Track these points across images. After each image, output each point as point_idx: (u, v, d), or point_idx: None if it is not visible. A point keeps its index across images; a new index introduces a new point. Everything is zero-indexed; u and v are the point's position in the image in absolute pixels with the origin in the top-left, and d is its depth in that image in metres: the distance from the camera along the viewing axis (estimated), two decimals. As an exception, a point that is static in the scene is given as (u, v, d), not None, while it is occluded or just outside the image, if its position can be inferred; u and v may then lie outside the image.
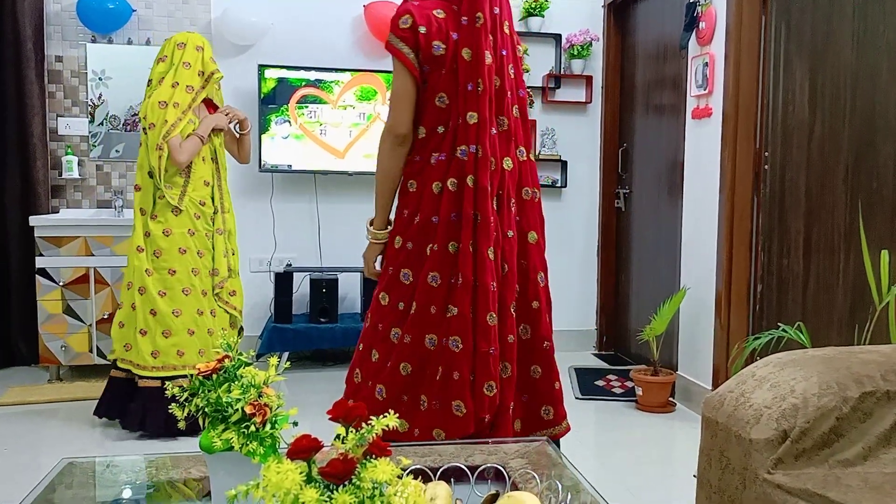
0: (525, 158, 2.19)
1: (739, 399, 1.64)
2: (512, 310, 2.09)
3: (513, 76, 2.15)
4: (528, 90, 3.13)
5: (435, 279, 2.05)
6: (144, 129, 3.16)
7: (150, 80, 3.28)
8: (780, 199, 3.24)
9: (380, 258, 2.27)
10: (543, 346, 2.15)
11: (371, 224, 2.25)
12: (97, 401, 3.33)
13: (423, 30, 2.03)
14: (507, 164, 2.11)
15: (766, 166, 3.29)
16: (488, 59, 2.05)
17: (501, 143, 2.10)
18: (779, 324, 2.71)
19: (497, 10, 2.10)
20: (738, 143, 3.35)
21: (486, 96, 2.05)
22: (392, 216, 2.23)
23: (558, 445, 2.14)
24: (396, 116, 2.09)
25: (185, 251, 3.18)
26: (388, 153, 2.13)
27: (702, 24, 3.57)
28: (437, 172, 2.07)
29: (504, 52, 2.12)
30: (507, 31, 2.14)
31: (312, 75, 4.46)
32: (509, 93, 2.12)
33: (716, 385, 3.40)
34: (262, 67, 4.39)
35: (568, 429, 2.21)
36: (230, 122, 3.36)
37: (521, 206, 2.17)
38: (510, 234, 2.11)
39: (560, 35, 4.78)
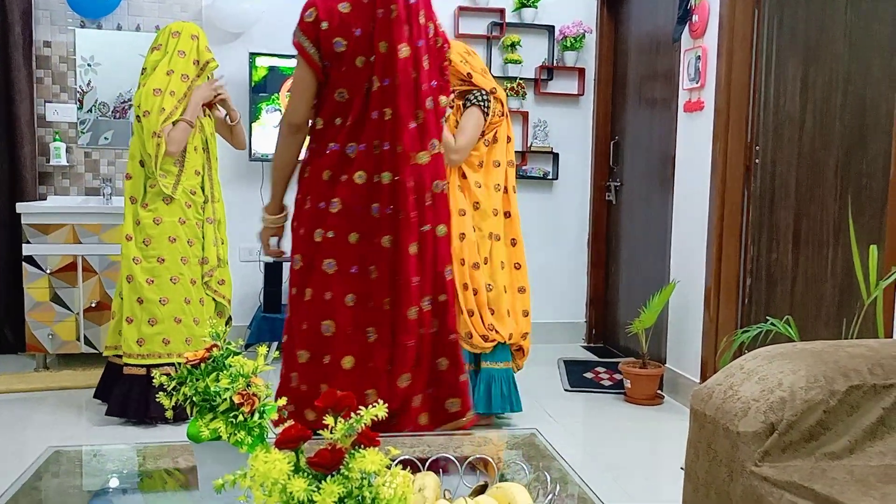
0: (437, 151, 2.18)
1: (727, 392, 1.65)
2: (427, 304, 2.11)
3: (427, 67, 2.13)
4: (496, 86, 3.15)
5: (330, 265, 2.07)
6: (138, 117, 3.13)
7: (143, 69, 3.24)
8: (770, 193, 3.25)
9: (275, 239, 2.33)
10: (450, 338, 2.17)
11: (265, 209, 2.30)
12: (95, 387, 3.35)
13: (325, 25, 2.04)
14: (424, 158, 2.11)
15: (757, 160, 3.30)
16: (404, 51, 2.05)
17: (418, 137, 2.10)
18: (767, 317, 2.72)
19: (412, 0, 2.09)
20: (730, 136, 3.36)
21: (403, 91, 2.05)
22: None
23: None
24: (292, 106, 2.14)
25: (174, 240, 3.16)
26: (282, 141, 2.18)
27: (695, 17, 3.56)
28: (329, 161, 2.09)
29: (420, 43, 2.10)
30: (422, 20, 2.12)
31: (304, 64, 4.42)
32: (424, 85, 2.11)
33: (704, 378, 3.42)
34: (253, 55, 4.36)
35: (474, 420, 2.22)
36: (216, 95, 3.30)
37: (433, 200, 2.16)
38: (426, 228, 2.12)
39: (553, 27, 4.77)
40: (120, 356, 3.22)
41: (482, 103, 3.17)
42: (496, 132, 3.26)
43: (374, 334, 2.06)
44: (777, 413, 1.55)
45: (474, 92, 3.20)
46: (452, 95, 3.27)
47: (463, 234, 3.17)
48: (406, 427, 2.08)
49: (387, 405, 1.02)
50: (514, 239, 3.28)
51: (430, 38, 2.15)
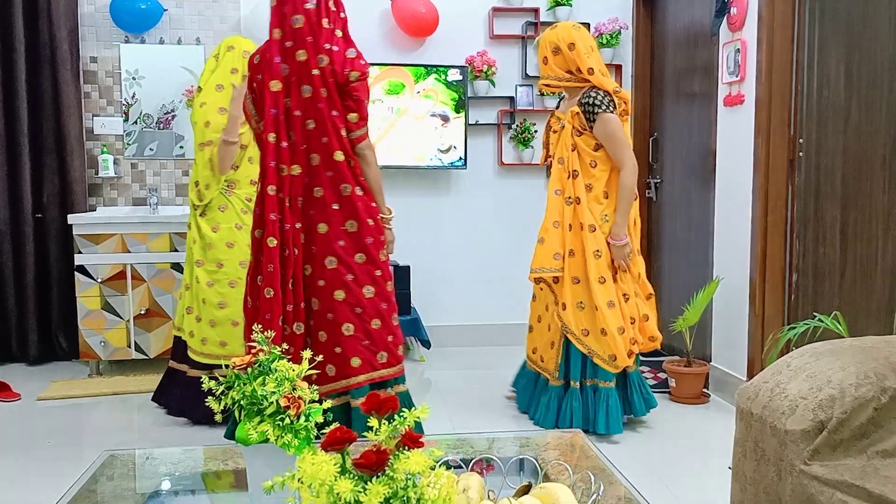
0: (317, 164, 2.54)
1: (774, 389, 1.62)
2: (290, 285, 2.53)
3: (319, 74, 2.50)
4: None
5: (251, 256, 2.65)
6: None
7: (199, 88, 3.33)
8: (815, 187, 3.18)
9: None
10: (328, 317, 2.56)
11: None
12: (146, 392, 3.52)
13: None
14: (295, 170, 2.54)
15: (801, 153, 3.23)
16: (274, 86, 2.51)
17: (289, 153, 2.53)
18: (815, 313, 2.66)
19: (298, 23, 2.53)
20: (772, 129, 3.30)
21: (276, 119, 2.52)
22: None
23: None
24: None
25: (232, 245, 3.26)
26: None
27: (733, 10, 3.51)
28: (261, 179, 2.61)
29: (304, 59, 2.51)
30: (326, 25, 2.55)
31: (341, 70, 4.47)
32: (299, 111, 2.53)
33: (750, 376, 3.36)
34: (291, 63, 4.42)
35: (359, 384, 2.56)
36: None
37: (311, 203, 2.56)
38: (297, 226, 2.55)
39: (588, 24, 4.74)
40: (180, 362, 3.34)
41: (607, 104, 3.05)
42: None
43: (251, 302, 2.67)
44: (826, 411, 1.52)
45: (592, 94, 3.06)
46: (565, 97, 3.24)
47: (598, 251, 3.08)
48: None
49: None
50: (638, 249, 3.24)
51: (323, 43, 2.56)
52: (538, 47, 3.25)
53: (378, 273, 2.61)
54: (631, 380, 3.20)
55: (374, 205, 2.62)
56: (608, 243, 3.10)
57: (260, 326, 2.48)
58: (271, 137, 2.50)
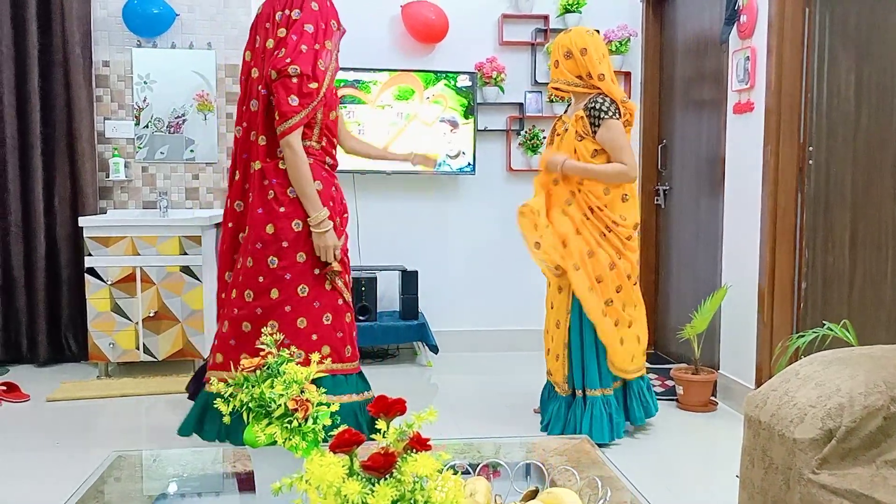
0: (263, 144, 2.66)
1: (783, 398, 1.62)
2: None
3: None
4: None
5: None
6: None
7: None
8: (825, 195, 3.17)
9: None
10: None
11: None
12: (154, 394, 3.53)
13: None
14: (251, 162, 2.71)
15: (811, 161, 3.23)
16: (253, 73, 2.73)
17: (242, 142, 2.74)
18: (824, 322, 2.65)
19: (258, 43, 2.70)
20: (782, 137, 3.29)
21: (238, 114, 2.77)
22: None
23: None
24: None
25: None
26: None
27: (743, 18, 3.51)
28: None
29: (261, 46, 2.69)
30: (277, 19, 2.64)
31: (351, 75, 4.50)
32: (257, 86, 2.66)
33: (759, 384, 3.34)
34: (301, 69, 4.44)
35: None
36: None
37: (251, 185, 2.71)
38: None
39: (598, 31, 4.73)
40: None
41: (613, 111, 3.05)
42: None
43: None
44: (835, 419, 1.51)
45: (598, 99, 3.06)
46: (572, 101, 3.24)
47: (613, 263, 3.11)
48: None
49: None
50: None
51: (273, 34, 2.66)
52: (551, 51, 3.26)
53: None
54: (630, 387, 3.20)
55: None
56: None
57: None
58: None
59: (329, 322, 2.67)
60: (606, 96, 3.08)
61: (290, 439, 1.37)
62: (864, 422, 1.51)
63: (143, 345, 4.10)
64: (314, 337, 2.62)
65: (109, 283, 4.05)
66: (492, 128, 4.76)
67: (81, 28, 4.36)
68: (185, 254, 4.10)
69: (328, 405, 1.46)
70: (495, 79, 4.68)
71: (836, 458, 1.50)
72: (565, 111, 3.33)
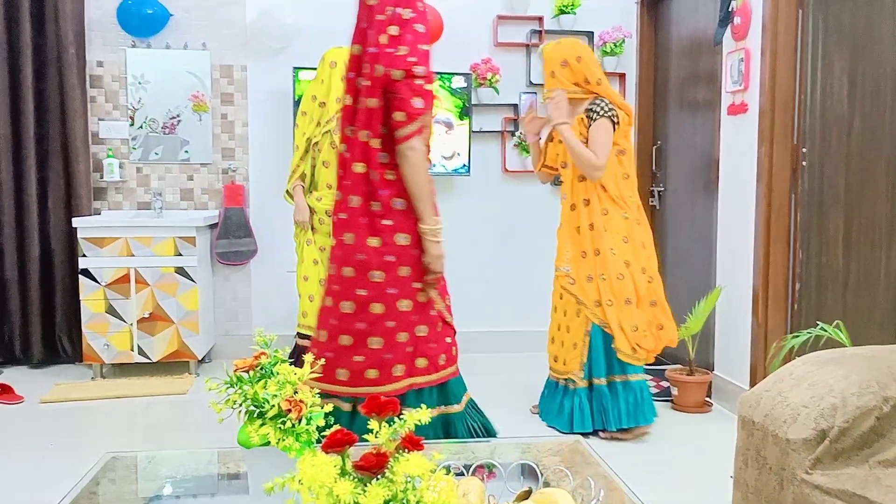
0: (377, 147, 2.40)
1: (776, 398, 1.62)
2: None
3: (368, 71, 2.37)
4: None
5: None
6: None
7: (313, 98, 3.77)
8: (818, 195, 3.18)
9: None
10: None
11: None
12: (149, 395, 3.55)
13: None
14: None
15: (804, 162, 3.23)
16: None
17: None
18: (817, 322, 2.66)
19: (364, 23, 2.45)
20: (775, 138, 3.30)
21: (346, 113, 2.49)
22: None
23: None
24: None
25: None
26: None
27: (737, 19, 3.52)
28: None
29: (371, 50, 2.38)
30: (388, 13, 2.38)
31: (346, 76, 4.49)
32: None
33: (753, 385, 3.35)
34: (296, 69, 4.44)
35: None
36: None
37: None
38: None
39: (592, 32, 4.75)
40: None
41: (610, 113, 3.14)
42: (624, 145, 3.24)
43: None
44: (828, 419, 1.52)
45: (599, 101, 3.16)
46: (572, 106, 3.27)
47: (612, 249, 3.20)
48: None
49: None
50: (643, 243, 3.29)
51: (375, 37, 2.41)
52: (544, 61, 3.31)
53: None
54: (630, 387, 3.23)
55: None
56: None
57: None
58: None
59: (425, 334, 2.50)
60: (605, 99, 3.16)
61: (284, 440, 1.37)
62: (856, 422, 1.52)
63: (138, 346, 4.09)
64: (409, 350, 2.46)
65: (104, 284, 4.04)
66: (487, 129, 4.76)
67: (75, 28, 4.34)
68: (180, 255, 4.09)
69: (322, 406, 1.46)
70: (490, 80, 4.68)
71: (830, 458, 1.50)
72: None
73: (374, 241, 2.40)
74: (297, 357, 3.35)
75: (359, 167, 2.38)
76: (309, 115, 3.79)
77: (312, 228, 3.78)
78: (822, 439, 1.51)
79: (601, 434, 3.19)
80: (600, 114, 3.13)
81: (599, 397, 3.19)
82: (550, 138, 3.39)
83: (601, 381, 3.19)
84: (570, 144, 3.14)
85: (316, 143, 3.75)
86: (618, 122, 3.17)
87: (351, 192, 2.41)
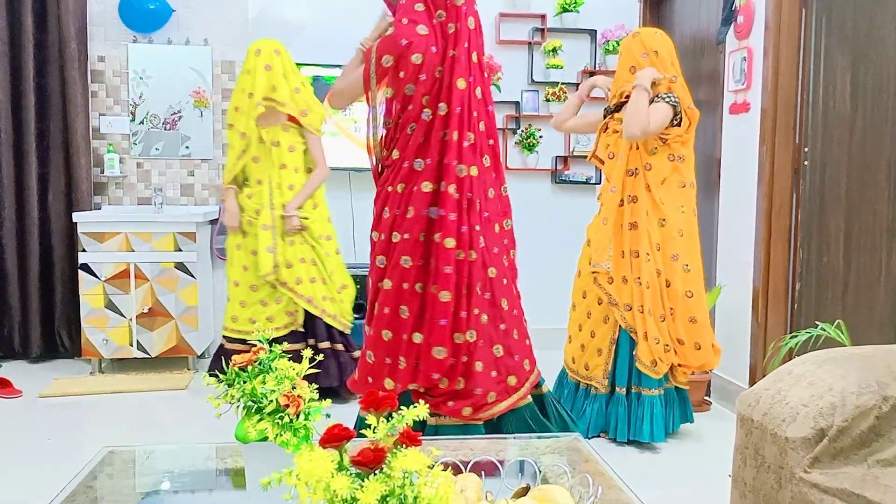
0: (487, 165, 2.50)
1: (775, 396, 1.62)
2: (476, 289, 2.36)
3: (479, 97, 2.49)
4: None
5: (406, 261, 2.38)
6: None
7: (249, 94, 3.58)
8: (819, 196, 3.18)
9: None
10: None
11: None
12: (147, 391, 3.50)
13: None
14: (473, 171, 2.43)
15: (806, 162, 3.23)
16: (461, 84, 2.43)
17: (471, 154, 2.46)
18: (817, 322, 2.66)
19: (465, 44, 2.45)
20: (777, 138, 3.30)
21: (461, 117, 2.46)
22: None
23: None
24: None
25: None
26: None
27: (740, 18, 3.51)
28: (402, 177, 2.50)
29: (471, 79, 2.44)
30: (474, 58, 2.48)
31: (347, 73, 4.48)
32: (475, 111, 2.48)
33: (752, 384, 3.35)
34: (297, 65, 4.43)
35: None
36: None
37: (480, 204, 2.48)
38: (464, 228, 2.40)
39: (595, 31, 4.75)
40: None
41: (674, 101, 3.00)
42: (682, 151, 3.08)
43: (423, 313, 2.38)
44: (827, 418, 1.51)
45: (664, 94, 3.03)
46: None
47: (658, 245, 3.09)
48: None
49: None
50: (687, 264, 3.10)
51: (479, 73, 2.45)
52: (620, 54, 3.20)
53: None
54: (670, 395, 3.16)
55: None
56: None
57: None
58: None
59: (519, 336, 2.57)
60: (674, 94, 3.04)
61: (281, 435, 1.37)
62: (855, 421, 1.51)
63: (137, 341, 4.09)
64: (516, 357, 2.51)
65: (103, 279, 4.04)
66: (488, 126, 4.75)
67: (77, 23, 4.34)
68: (180, 250, 4.09)
69: (320, 401, 1.45)
70: (492, 78, 4.68)
71: (828, 457, 1.50)
72: (616, 109, 3.21)
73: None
74: (222, 361, 3.15)
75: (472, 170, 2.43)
76: (241, 110, 3.59)
77: (243, 232, 3.62)
78: (821, 438, 1.51)
79: (604, 436, 3.15)
80: (665, 100, 3.00)
81: (616, 405, 3.10)
82: (605, 127, 3.24)
83: (621, 390, 3.09)
84: (636, 96, 2.97)
85: (247, 138, 3.59)
86: (678, 119, 3.01)
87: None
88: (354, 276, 4.36)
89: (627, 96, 3.07)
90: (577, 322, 3.28)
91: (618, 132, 3.15)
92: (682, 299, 3.08)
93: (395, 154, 2.44)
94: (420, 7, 2.39)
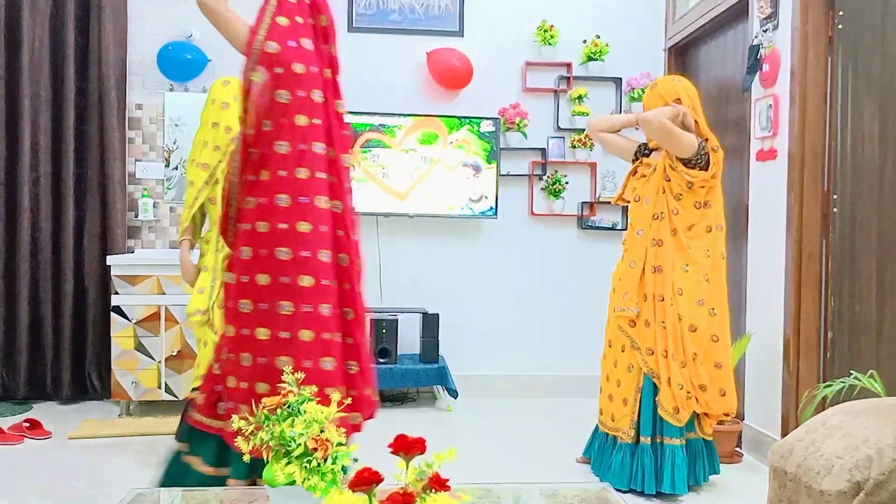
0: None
1: (809, 448, 1.59)
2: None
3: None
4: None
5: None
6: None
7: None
8: (850, 242, 3.15)
9: None
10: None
11: None
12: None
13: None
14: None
15: (835, 209, 3.21)
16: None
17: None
18: (851, 371, 2.60)
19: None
20: (805, 185, 3.28)
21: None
22: None
23: None
24: None
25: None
26: None
27: (765, 66, 3.54)
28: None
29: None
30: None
31: (376, 120, 4.58)
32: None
33: (784, 435, 3.27)
34: (327, 113, 4.53)
35: None
36: None
37: None
38: None
39: (620, 79, 4.80)
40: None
41: (701, 148, 3.02)
42: (707, 197, 3.09)
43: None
44: (863, 471, 1.48)
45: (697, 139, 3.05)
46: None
47: (680, 289, 3.07)
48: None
49: None
50: (713, 308, 3.08)
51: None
52: (645, 108, 3.23)
53: None
54: (697, 446, 3.10)
55: None
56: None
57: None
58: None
59: None
60: (701, 139, 3.07)
61: (309, 479, 1.37)
62: (893, 474, 1.48)
63: (165, 384, 4.12)
64: None
65: (134, 321, 4.09)
66: (514, 172, 4.80)
67: (117, 72, 4.50)
68: (210, 293, 4.13)
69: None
70: (518, 124, 4.74)
71: (865, 511, 1.46)
72: (644, 153, 3.25)
73: None
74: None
75: None
76: (211, 144, 3.21)
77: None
78: (858, 492, 1.47)
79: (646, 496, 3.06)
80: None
81: (641, 455, 3.04)
82: (634, 171, 3.26)
83: (646, 440, 3.03)
84: (662, 125, 2.98)
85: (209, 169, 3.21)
86: (702, 158, 3.01)
87: None
88: (380, 321, 4.38)
89: (656, 148, 3.09)
90: (605, 372, 3.25)
91: (646, 176, 3.17)
92: (709, 343, 3.05)
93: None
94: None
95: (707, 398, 3.04)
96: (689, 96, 3.15)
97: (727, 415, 3.14)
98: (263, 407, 1.47)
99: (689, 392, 3.00)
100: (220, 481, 2.11)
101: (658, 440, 3.03)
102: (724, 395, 3.05)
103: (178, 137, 4.63)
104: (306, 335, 2.05)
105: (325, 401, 1.49)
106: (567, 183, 4.81)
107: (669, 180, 3.08)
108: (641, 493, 3.03)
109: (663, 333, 3.02)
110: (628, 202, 3.30)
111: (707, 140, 3.09)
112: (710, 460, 3.15)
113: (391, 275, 4.75)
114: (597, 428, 3.31)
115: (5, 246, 4.43)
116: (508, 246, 4.83)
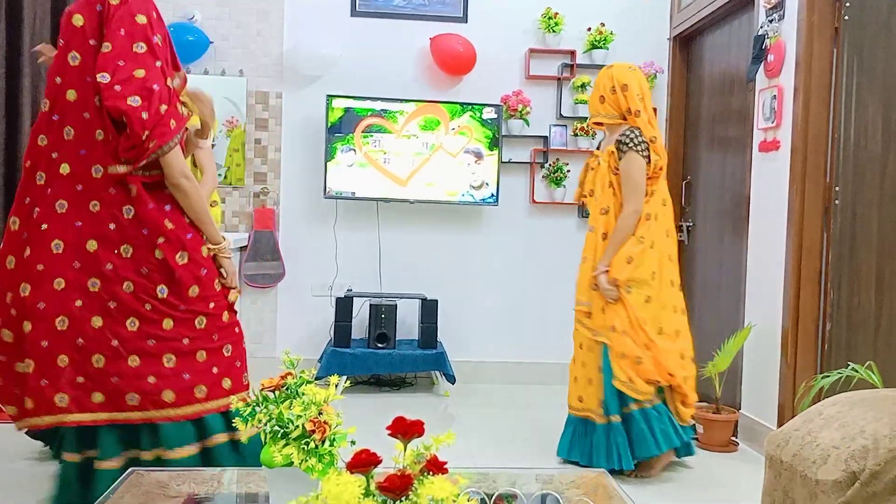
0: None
1: (805, 438, 1.60)
2: None
3: None
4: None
5: None
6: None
7: None
8: (850, 235, 3.14)
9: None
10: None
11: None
12: None
13: None
14: None
15: (837, 201, 3.20)
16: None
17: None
18: (848, 363, 2.61)
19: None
20: (807, 177, 3.28)
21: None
22: None
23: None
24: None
25: None
26: None
27: (770, 57, 3.52)
28: None
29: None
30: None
31: (378, 105, 4.56)
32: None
33: (781, 425, 3.28)
34: (330, 97, 4.52)
35: None
36: None
37: None
38: None
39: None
40: None
41: (640, 148, 3.06)
42: (653, 187, 3.12)
43: None
44: (859, 462, 1.48)
45: (629, 132, 3.08)
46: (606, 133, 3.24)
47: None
48: None
49: None
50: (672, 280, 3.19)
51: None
52: (595, 84, 3.28)
53: None
54: (660, 409, 3.10)
55: None
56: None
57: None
58: None
59: None
60: (637, 130, 3.09)
61: (307, 461, 1.37)
62: (889, 465, 1.48)
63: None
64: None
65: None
66: (516, 160, 4.79)
67: (118, 53, 4.46)
68: (209, 276, 4.13)
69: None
70: (521, 112, 4.72)
71: (860, 501, 1.47)
72: (598, 147, 3.35)
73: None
74: None
75: None
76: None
77: None
78: (853, 482, 1.48)
79: (627, 474, 3.09)
80: (630, 146, 3.05)
81: (615, 435, 3.06)
82: (584, 176, 3.31)
83: (616, 418, 3.06)
84: (614, 250, 3.08)
85: None
86: (648, 159, 3.07)
87: None
88: (379, 306, 4.39)
89: (598, 123, 3.24)
90: (578, 360, 3.26)
91: (594, 169, 3.23)
92: (658, 310, 3.10)
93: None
94: None
95: (657, 356, 3.03)
96: (639, 85, 3.17)
97: (689, 380, 3.12)
98: (262, 389, 1.47)
99: (638, 357, 3.01)
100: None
101: (626, 411, 3.06)
102: (683, 359, 3.11)
103: (179, 119, 4.61)
104: None
105: None
106: (568, 171, 4.80)
107: (617, 172, 3.11)
108: (621, 472, 3.05)
109: (612, 309, 3.06)
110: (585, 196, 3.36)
111: (641, 129, 3.10)
112: (680, 432, 3.12)
113: (391, 260, 4.75)
114: (568, 419, 3.30)
115: (2, 223, 4.41)
116: (509, 233, 4.83)
